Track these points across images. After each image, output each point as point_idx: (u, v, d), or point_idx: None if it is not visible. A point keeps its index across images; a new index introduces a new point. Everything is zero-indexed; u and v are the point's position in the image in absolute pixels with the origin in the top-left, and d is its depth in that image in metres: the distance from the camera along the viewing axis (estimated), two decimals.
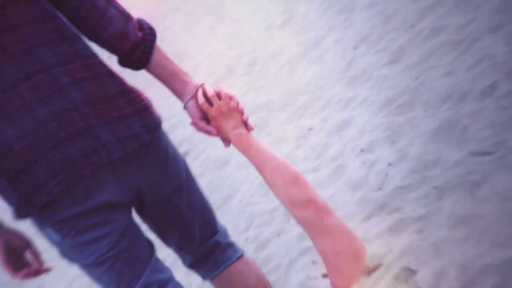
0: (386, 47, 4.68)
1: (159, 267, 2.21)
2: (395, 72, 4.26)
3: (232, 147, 4.88)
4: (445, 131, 3.26)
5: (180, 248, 2.36)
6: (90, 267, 2.11)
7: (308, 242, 3.25)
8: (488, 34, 3.75)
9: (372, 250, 2.78)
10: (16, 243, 2.12)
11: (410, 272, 2.52)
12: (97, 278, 2.14)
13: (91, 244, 2.06)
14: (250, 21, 8.13)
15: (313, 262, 3.09)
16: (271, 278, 3.22)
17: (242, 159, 4.88)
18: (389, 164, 3.35)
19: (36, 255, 2.15)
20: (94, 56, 2.05)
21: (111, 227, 2.08)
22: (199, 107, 2.17)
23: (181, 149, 6.04)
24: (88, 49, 2.05)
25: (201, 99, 2.15)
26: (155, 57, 2.14)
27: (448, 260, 2.43)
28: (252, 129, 2.22)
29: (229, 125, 2.24)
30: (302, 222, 2.35)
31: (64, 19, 2.06)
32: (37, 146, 1.99)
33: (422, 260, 2.55)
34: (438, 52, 4.05)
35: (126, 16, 2.09)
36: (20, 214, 2.04)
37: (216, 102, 2.17)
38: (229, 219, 4.22)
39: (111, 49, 2.10)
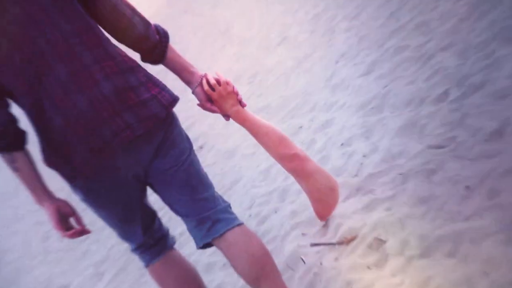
0: (361, 61, 4.65)
1: (157, 233, 2.38)
2: (368, 81, 4.24)
3: (239, 140, 4.85)
4: (408, 128, 3.24)
5: (181, 215, 2.29)
6: (102, 216, 2.31)
7: (299, 218, 3.23)
8: (442, 52, 3.74)
9: (350, 224, 2.81)
10: (64, 210, 2.16)
11: (380, 242, 2.55)
12: (111, 224, 2.34)
13: (107, 201, 2.23)
14: (252, 41, 8.07)
15: (303, 234, 3.06)
16: (269, 247, 3.18)
17: (247, 151, 4.87)
18: (364, 155, 3.34)
19: (79, 220, 2.20)
20: (120, 55, 2.10)
21: (120, 187, 2.21)
22: (204, 92, 2.24)
23: (198, 143, 6.00)
24: (115, 50, 2.10)
25: (205, 86, 2.22)
26: (168, 55, 2.21)
27: (411, 232, 2.42)
28: (245, 105, 2.33)
29: (228, 104, 2.31)
30: (291, 171, 2.38)
31: (99, 27, 2.11)
32: (80, 131, 2.04)
33: (390, 232, 2.54)
34: (402, 65, 4.03)
35: (147, 23, 2.15)
36: (71, 180, 2.14)
37: (217, 87, 2.25)
38: (236, 199, 4.20)
39: (135, 48, 2.17)
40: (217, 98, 2.27)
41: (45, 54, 1.99)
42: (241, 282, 3.08)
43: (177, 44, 12.18)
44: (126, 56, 2.12)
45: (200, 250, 3.74)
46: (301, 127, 4.44)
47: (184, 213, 2.24)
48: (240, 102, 2.33)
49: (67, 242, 6.09)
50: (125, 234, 2.36)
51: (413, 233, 2.41)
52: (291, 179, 3.77)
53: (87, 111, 2.03)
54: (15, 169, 2.09)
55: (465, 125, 2.87)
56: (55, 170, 2.17)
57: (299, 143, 4.20)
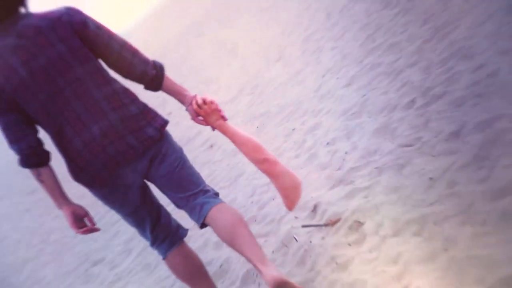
0: (343, 75, 4.63)
1: (165, 216, 2.41)
2: (349, 92, 4.22)
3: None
4: (382, 130, 3.23)
5: (179, 207, 2.36)
6: (121, 215, 2.38)
7: None
8: (409, 67, 3.72)
9: (334, 209, 2.79)
10: (78, 212, 2.25)
11: (359, 224, 2.53)
12: (128, 219, 2.39)
13: (123, 203, 2.31)
14: (254, 58, 8.07)
15: (296, 217, 3.04)
16: (267, 229, 3.15)
17: None
18: (346, 153, 3.32)
19: (91, 220, 2.30)
20: (124, 90, 2.20)
21: (132, 192, 2.31)
22: (194, 110, 2.28)
23: (208, 143, 5.99)
24: (119, 87, 2.21)
25: (194, 105, 2.29)
26: (165, 83, 2.29)
27: (384, 215, 2.41)
28: (226, 119, 2.35)
29: (213, 119, 2.34)
30: (264, 172, 2.39)
31: (105, 69, 2.22)
32: (93, 150, 2.16)
33: (367, 216, 2.53)
34: (377, 79, 4.02)
35: (145, 61, 2.24)
36: (87, 186, 2.24)
37: (203, 106, 2.30)
38: (240, 189, 4.17)
39: (137, 82, 2.27)
40: (203, 114, 2.32)
41: (64, 92, 2.10)
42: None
43: (191, 60, 12.18)
44: (128, 90, 2.23)
45: (210, 231, 3.74)
46: (294, 129, 4.42)
47: (181, 206, 2.34)
48: (222, 117, 2.35)
49: (102, 224, 6.09)
50: (141, 231, 2.42)
51: (386, 217, 2.40)
52: None
53: (99, 136, 2.15)
54: (41, 181, 2.20)
55: (428, 127, 2.85)
56: (78, 182, 2.29)
57: (292, 143, 4.17)
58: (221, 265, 3.16)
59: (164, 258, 2.39)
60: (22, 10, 2.12)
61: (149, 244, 2.44)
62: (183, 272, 2.38)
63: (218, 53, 10.67)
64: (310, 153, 3.73)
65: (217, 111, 2.32)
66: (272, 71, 6.67)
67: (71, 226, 2.25)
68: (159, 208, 2.41)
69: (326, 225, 2.72)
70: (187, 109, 2.33)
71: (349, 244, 2.45)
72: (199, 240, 3.76)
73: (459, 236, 1.97)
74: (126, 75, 2.23)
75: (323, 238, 2.65)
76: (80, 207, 2.27)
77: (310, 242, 2.69)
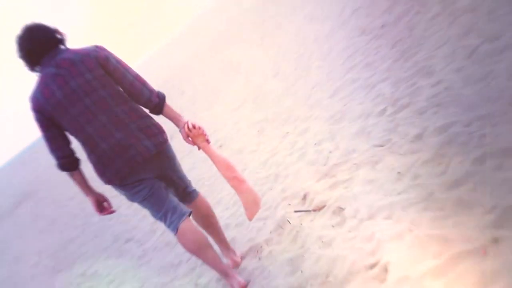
0: (328, 88, 4.62)
1: (173, 203, 2.47)
2: (333, 101, 4.20)
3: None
4: (360, 133, 3.22)
5: (174, 192, 2.59)
6: (140, 202, 2.45)
7: (286, 194, 3.21)
8: (382, 82, 3.71)
9: (321, 198, 2.80)
10: (100, 199, 2.46)
11: (341, 209, 2.55)
12: (145, 206, 2.47)
13: (138, 193, 2.41)
14: (255, 74, 8.06)
15: (289, 204, 3.04)
16: (266, 214, 3.14)
17: (251, 149, 4.85)
18: (330, 152, 3.31)
19: (109, 204, 2.50)
20: (139, 108, 2.38)
21: (144, 185, 2.40)
22: (186, 132, 2.43)
23: (218, 143, 5.96)
24: (136, 105, 2.37)
25: (186, 129, 2.43)
26: (165, 110, 2.44)
27: (361, 203, 2.42)
28: (209, 142, 2.50)
29: (199, 140, 2.46)
30: (232, 187, 2.44)
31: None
32: (116, 152, 2.31)
33: (347, 203, 2.53)
34: (356, 91, 4.01)
35: (151, 91, 2.40)
36: (109, 182, 2.38)
37: (192, 130, 2.42)
38: None
39: (144, 107, 2.42)
40: (192, 136, 2.44)
41: (91, 109, 2.26)
42: (248, 237, 3.08)
43: (202, 76, 12.16)
44: (142, 108, 2.40)
45: (221, 214, 3.75)
46: (288, 132, 4.42)
47: (180, 195, 2.64)
48: (207, 140, 2.48)
49: (133, 209, 6.10)
50: (154, 214, 2.48)
51: (363, 204, 2.40)
52: (282, 167, 3.76)
53: (121, 140, 2.30)
54: (73, 179, 2.42)
55: (397, 131, 2.86)
56: (102, 180, 2.40)
57: (286, 143, 4.17)
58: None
59: (175, 234, 2.43)
60: (61, 46, 2.31)
61: (165, 225, 2.47)
62: (192, 243, 2.40)
63: (224, 69, 10.67)
64: (301, 152, 3.73)
65: (203, 135, 2.44)
66: (270, 85, 6.66)
67: (94, 210, 2.44)
68: (168, 196, 2.47)
69: (314, 210, 2.73)
70: (180, 131, 2.45)
71: (333, 226, 2.46)
72: None
73: (422, 219, 1.99)
74: (136, 101, 2.38)
75: (311, 221, 2.67)
76: (101, 195, 2.46)
77: (301, 224, 2.70)
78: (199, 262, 3.20)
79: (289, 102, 5.27)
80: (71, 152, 2.34)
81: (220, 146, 5.81)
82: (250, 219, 2.43)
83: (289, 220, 2.84)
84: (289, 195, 3.16)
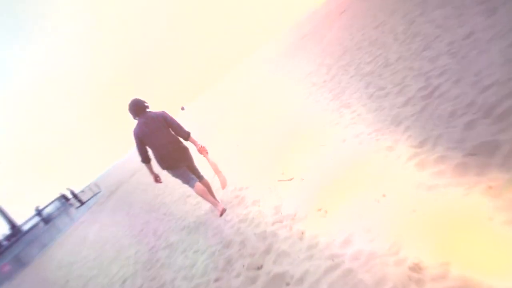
0: (325, 98, 5.45)
1: (192, 177, 4.48)
2: (330, 106, 4.99)
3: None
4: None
5: (193, 175, 4.55)
6: (177, 177, 4.49)
7: (280, 186, 3.98)
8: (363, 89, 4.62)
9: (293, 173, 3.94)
10: (157, 176, 4.60)
11: (302, 179, 3.65)
12: (180, 178, 4.50)
13: (178, 173, 4.47)
14: (258, 106, 8.33)
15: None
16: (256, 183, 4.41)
17: (254, 148, 5.73)
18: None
19: (160, 179, 4.61)
20: (177, 138, 4.40)
21: (180, 170, 4.41)
22: (198, 149, 4.36)
23: (235, 143, 6.87)
24: (176, 136, 4.38)
25: (198, 147, 4.34)
26: (190, 139, 4.37)
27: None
28: (208, 153, 4.40)
29: (204, 153, 4.34)
30: (216, 174, 4.38)
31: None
32: (168, 155, 4.32)
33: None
34: (340, 109, 4.70)
35: (186, 132, 4.38)
36: (165, 168, 4.45)
37: (202, 148, 4.33)
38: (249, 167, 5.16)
39: (180, 137, 4.40)
40: (201, 151, 4.28)
41: (157, 136, 4.25)
42: (252, 214, 3.86)
43: (216, 105, 13.04)
44: (178, 138, 4.37)
45: (229, 194, 4.80)
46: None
47: (196, 176, 4.59)
48: (207, 153, 4.32)
49: (179, 189, 7.07)
50: (185, 182, 4.42)
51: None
52: (276, 160, 4.68)
53: (170, 150, 4.29)
54: (147, 167, 4.48)
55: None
56: (161, 167, 4.39)
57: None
58: (242, 198, 4.47)
59: (193, 188, 4.43)
60: (148, 109, 4.40)
61: (189, 185, 4.48)
62: (201, 190, 4.37)
63: (234, 100, 10.78)
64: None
65: (206, 151, 4.32)
66: (269, 108, 7.55)
67: (154, 180, 4.45)
68: (190, 174, 4.41)
69: (290, 179, 3.92)
70: (197, 149, 4.32)
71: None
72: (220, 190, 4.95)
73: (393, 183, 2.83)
74: (177, 134, 4.35)
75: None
76: (157, 174, 4.47)
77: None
78: (201, 199, 5.24)
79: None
80: (147, 155, 4.35)
81: (237, 146, 6.78)
82: (223, 188, 4.24)
83: (270, 188, 3.96)
84: (278, 188, 3.91)
